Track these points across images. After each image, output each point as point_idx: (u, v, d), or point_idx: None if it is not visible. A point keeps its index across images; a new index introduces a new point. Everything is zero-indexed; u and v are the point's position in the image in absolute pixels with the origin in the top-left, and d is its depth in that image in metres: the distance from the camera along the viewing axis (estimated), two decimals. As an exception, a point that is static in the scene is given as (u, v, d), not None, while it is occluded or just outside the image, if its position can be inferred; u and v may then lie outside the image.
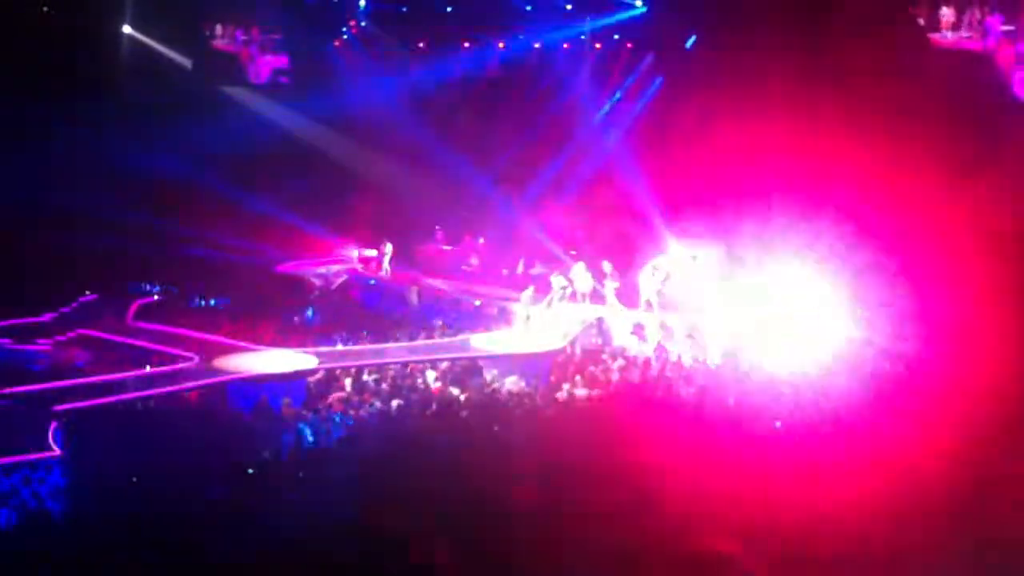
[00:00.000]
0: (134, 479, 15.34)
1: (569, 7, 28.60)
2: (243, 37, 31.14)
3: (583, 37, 28.99)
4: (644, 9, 27.34)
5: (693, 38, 26.96)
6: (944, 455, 13.11)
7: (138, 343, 21.60)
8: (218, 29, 31.35)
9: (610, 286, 24.09)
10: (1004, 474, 12.91)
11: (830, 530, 12.00)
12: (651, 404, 19.30)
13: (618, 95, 28.89)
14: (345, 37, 31.43)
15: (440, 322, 23.82)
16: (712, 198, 24.85)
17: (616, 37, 28.67)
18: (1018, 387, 15.20)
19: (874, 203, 21.43)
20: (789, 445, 15.47)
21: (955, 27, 22.35)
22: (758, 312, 22.37)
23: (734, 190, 24.14)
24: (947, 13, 22.36)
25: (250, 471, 15.63)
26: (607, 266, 24.36)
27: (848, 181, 21.71)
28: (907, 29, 22.76)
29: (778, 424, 16.85)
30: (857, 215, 21.52)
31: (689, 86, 26.92)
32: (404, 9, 30.12)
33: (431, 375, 20.49)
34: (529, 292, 23.49)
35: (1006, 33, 21.99)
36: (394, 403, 18.73)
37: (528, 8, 28.83)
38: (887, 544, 11.83)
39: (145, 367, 20.17)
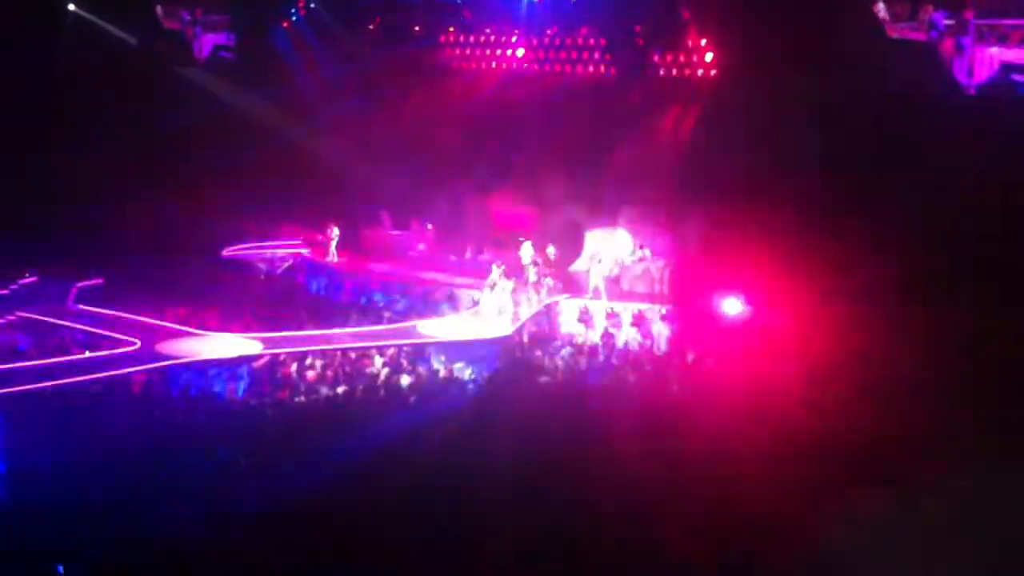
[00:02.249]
0: (75, 463, 15.18)
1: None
2: (188, 16, 30.76)
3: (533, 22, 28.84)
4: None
5: (639, 30, 26.95)
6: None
7: (79, 326, 21.29)
8: (164, 8, 31.01)
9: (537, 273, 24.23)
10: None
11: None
12: (597, 391, 19.48)
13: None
14: (294, 19, 31.10)
15: (388, 310, 23.66)
16: (660, 187, 25.07)
17: (564, 25, 28.57)
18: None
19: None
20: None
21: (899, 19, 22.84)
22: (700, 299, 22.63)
23: (680, 180, 24.39)
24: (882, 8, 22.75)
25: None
26: (551, 251, 24.40)
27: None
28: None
29: None
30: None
31: (636, 78, 27.09)
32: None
33: (378, 361, 20.39)
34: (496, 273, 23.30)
35: (948, 27, 22.46)
36: (339, 389, 18.64)
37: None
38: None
39: (85, 351, 19.90)
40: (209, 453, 15.63)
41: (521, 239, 24.46)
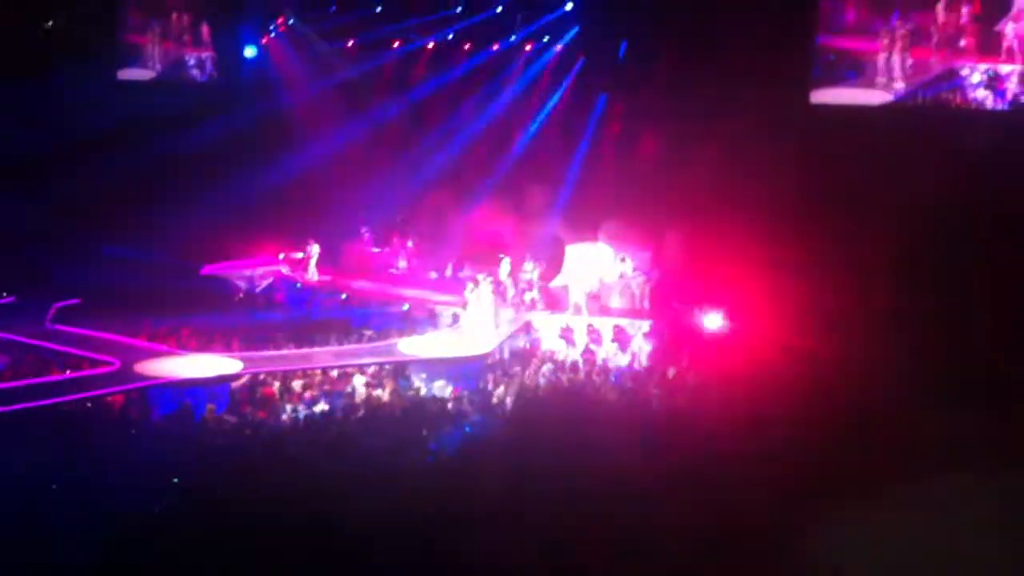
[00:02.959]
0: (52, 486, 15.06)
1: (500, 9, 28.47)
2: (159, 28, 30.87)
3: (512, 38, 28.90)
4: (570, 5, 27.27)
5: (624, 45, 27.01)
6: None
7: (57, 347, 21.15)
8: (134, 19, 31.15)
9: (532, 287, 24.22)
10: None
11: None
12: (578, 408, 19.44)
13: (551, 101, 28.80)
14: (273, 35, 31.07)
15: (368, 328, 23.59)
16: (641, 205, 25.19)
17: (546, 39, 28.60)
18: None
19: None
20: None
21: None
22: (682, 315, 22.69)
23: (662, 197, 24.51)
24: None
25: (175, 480, 15.38)
26: (529, 266, 24.41)
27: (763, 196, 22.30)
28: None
29: None
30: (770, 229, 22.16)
31: (620, 95, 27.16)
32: (332, 8, 29.80)
33: (359, 380, 20.31)
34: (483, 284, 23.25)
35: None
36: (318, 408, 18.57)
37: (459, 10, 28.66)
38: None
39: (64, 371, 19.78)
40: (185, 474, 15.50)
41: (500, 256, 24.46)
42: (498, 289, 23.24)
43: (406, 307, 25.05)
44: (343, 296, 25.49)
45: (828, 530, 13.12)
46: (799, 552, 12.97)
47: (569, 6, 27.58)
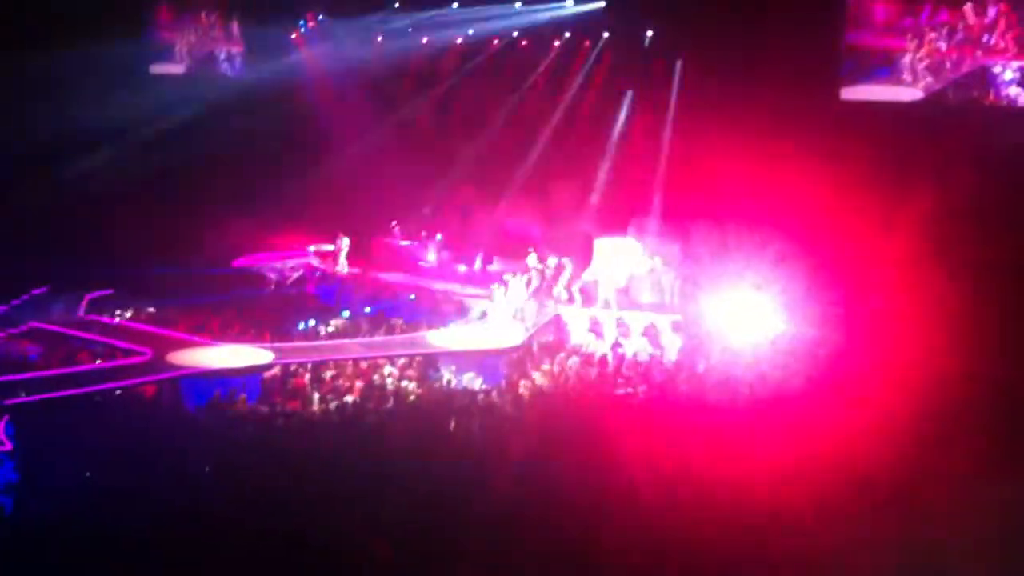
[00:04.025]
0: (87, 474, 15.20)
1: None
2: (190, 25, 31.10)
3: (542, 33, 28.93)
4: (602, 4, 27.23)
5: (650, 34, 26.98)
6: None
7: (91, 337, 21.32)
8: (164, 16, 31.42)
9: (562, 280, 24.22)
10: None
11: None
12: (607, 401, 19.45)
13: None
14: (303, 31, 31.23)
15: (400, 319, 23.68)
16: (670, 199, 25.17)
17: (567, 35, 28.57)
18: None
19: (812, 214, 22.21)
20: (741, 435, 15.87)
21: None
22: (713, 309, 22.61)
23: (691, 193, 24.45)
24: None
25: (207, 469, 15.51)
26: (553, 260, 24.47)
27: (792, 191, 22.16)
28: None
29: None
30: (799, 225, 22.01)
31: (648, 88, 27.13)
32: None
33: (391, 370, 20.39)
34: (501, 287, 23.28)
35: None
36: (348, 398, 18.65)
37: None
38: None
39: (97, 361, 19.94)
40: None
41: (528, 249, 24.51)
42: (526, 281, 23.24)
43: (412, 297, 25.25)
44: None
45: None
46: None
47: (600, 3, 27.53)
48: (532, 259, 23.98)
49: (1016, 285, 20.41)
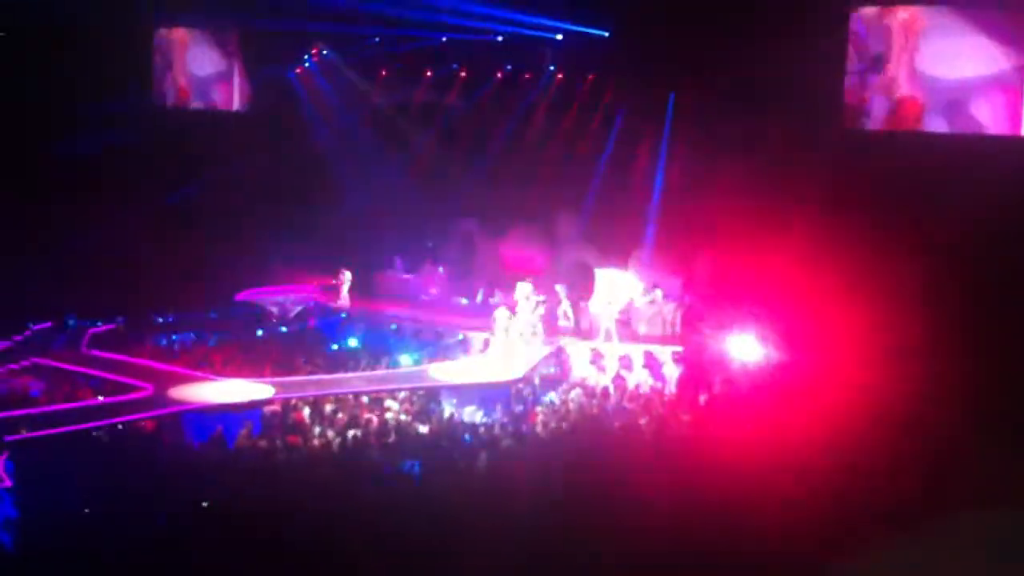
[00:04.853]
0: (87, 511, 15.17)
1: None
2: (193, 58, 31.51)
3: (551, 68, 29.07)
4: (605, 34, 27.29)
5: (650, 65, 27.09)
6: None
7: (92, 372, 21.35)
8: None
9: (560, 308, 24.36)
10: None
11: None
12: (610, 434, 19.41)
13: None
14: (307, 65, 31.44)
15: (404, 354, 23.68)
16: (671, 231, 25.23)
17: (571, 70, 28.70)
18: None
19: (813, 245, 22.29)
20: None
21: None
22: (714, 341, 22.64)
23: (692, 224, 24.52)
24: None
25: (204, 504, 15.46)
26: (560, 289, 24.58)
27: (792, 222, 22.23)
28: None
29: None
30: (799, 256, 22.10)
31: (648, 118, 27.23)
32: (376, 40, 30.07)
33: (393, 404, 20.38)
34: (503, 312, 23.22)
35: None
36: (350, 433, 18.62)
37: (497, 37, 28.77)
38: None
39: (99, 397, 19.95)
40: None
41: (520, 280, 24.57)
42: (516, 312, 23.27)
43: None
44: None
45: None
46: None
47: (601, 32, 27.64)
48: (521, 290, 23.89)
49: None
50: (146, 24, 31.71)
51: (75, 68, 29.25)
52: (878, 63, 22.97)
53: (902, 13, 22.67)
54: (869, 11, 23.15)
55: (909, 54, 22.57)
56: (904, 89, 22.77)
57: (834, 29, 23.25)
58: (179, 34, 32.10)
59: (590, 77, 28.42)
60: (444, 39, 29.07)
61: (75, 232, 26.64)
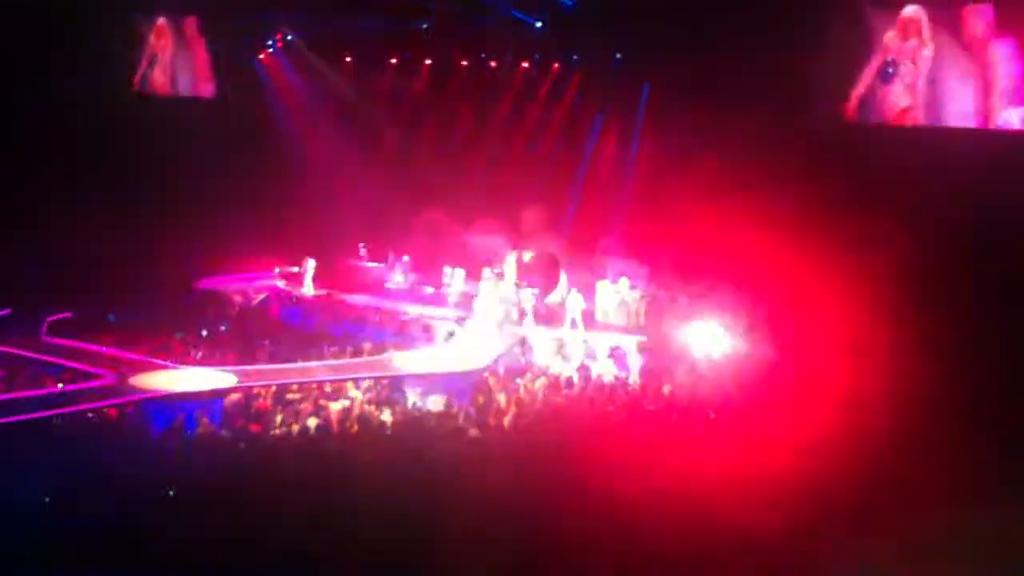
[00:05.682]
0: (46, 499, 15.00)
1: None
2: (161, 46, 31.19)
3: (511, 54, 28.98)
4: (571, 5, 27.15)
5: (619, 57, 27.03)
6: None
7: (52, 360, 21.09)
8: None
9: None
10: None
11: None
12: (576, 423, 19.42)
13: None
14: (271, 50, 31.19)
15: (367, 343, 23.58)
16: (640, 221, 25.24)
17: (538, 58, 28.58)
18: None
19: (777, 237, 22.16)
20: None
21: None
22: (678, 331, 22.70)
23: (660, 214, 24.52)
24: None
25: (171, 493, 15.33)
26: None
27: (758, 215, 22.24)
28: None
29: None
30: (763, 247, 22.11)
31: (617, 110, 27.21)
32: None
33: (356, 394, 20.28)
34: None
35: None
36: (311, 422, 18.51)
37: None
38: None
39: (59, 384, 19.71)
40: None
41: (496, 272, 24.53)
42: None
43: (401, 321, 25.08)
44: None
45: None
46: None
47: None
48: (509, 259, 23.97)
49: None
50: (118, 11, 31.25)
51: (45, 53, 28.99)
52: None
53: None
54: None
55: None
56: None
57: (809, 17, 23.23)
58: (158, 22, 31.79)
59: (555, 66, 28.32)
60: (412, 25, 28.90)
61: (37, 222, 26.31)
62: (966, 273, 20.67)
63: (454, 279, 26.18)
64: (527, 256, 24.78)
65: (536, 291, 24.77)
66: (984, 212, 20.48)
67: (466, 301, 25.17)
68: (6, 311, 23.93)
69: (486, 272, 23.55)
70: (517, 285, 24.64)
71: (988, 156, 20.80)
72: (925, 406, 17.87)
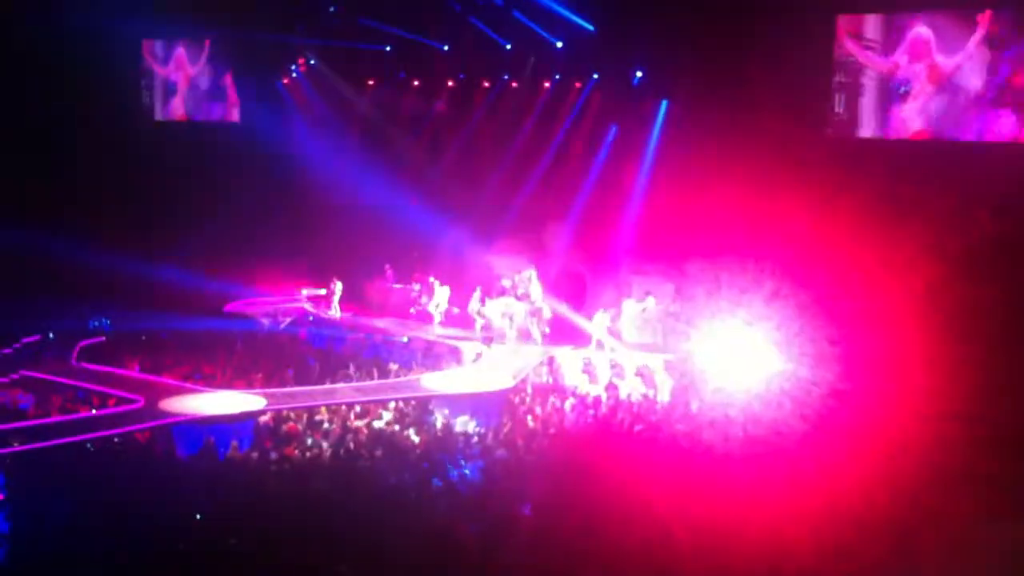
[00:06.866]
0: (78, 524, 15.07)
1: (508, 47, 28.61)
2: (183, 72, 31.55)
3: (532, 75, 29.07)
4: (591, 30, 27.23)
5: (640, 74, 27.06)
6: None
7: (83, 384, 21.25)
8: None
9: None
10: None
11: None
12: (604, 442, 19.34)
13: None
14: (295, 75, 31.41)
15: (394, 364, 23.64)
16: (664, 238, 25.18)
17: (557, 77, 28.64)
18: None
19: (808, 251, 22.11)
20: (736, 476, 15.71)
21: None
22: (705, 348, 22.58)
23: (685, 230, 24.45)
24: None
25: (198, 517, 15.38)
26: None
27: (785, 229, 22.15)
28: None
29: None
30: (794, 262, 22.00)
31: (639, 126, 27.19)
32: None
33: (385, 415, 20.32)
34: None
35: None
36: (340, 444, 18.51)
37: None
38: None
39: (90, 409, 19.85)
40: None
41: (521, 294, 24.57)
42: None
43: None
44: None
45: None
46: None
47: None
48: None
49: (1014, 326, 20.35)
50: (132, 37, 31.63)
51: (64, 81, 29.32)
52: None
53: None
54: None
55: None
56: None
57: (822, 34, 23.27)
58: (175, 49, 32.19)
59: (576, 84, 28.37)
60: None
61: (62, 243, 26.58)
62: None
63: (477, 299, 26.18)
64: (548, 273, 24.78)
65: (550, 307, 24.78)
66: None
67: (491, 320, 25.17)
68: (36, 336, 24.19)
69: (508, 289, 23.59)
70: (530, 303, 24.66)
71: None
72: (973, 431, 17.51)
